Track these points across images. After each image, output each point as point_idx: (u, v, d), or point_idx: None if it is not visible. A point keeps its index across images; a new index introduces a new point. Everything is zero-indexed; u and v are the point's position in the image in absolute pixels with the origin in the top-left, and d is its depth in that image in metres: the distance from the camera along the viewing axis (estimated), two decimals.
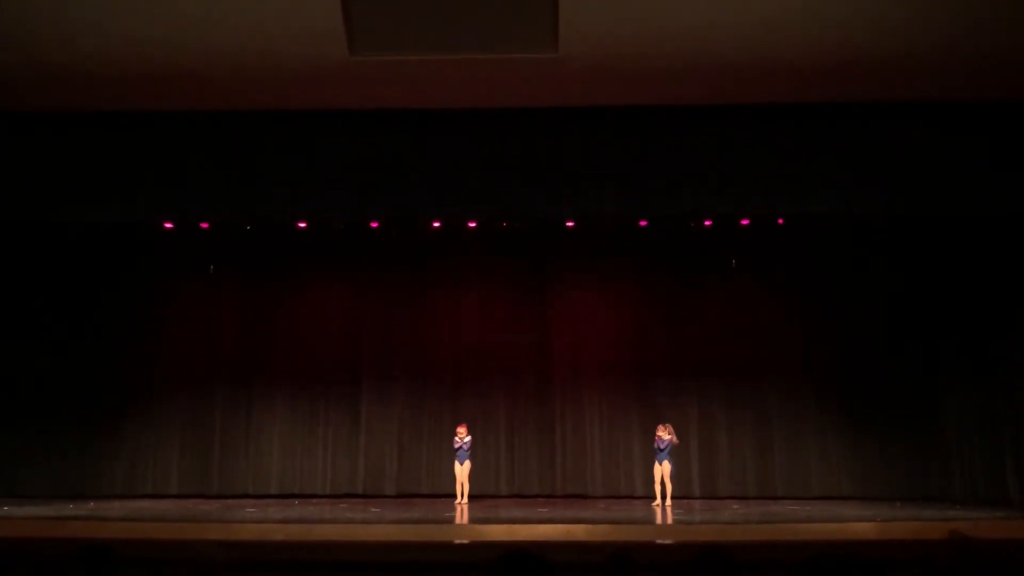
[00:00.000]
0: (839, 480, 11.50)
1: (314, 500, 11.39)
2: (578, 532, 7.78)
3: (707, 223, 11.08)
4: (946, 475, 10.88)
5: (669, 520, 9.10)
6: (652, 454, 10.61)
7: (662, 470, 10.42)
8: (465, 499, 10.74)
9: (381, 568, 6.60)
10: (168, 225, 10.86)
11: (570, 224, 11.30)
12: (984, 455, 10.47)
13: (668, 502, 10.36)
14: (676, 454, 11.47)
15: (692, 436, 11.81)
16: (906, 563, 4.67)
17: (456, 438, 10.90)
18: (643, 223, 11.06)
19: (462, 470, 10.81)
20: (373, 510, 9.96)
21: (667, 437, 10.43)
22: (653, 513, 9.74)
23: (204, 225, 11.02)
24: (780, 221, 10.83)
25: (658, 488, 10.43)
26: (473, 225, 11.35)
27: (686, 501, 11.20)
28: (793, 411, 11.76)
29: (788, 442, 11.69)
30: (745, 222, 10.83)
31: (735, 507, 10.40)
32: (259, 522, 8.70)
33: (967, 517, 8.94)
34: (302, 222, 11.00)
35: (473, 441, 11.04)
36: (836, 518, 8.85)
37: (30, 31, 7.86)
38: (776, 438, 11.71)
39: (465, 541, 7.78)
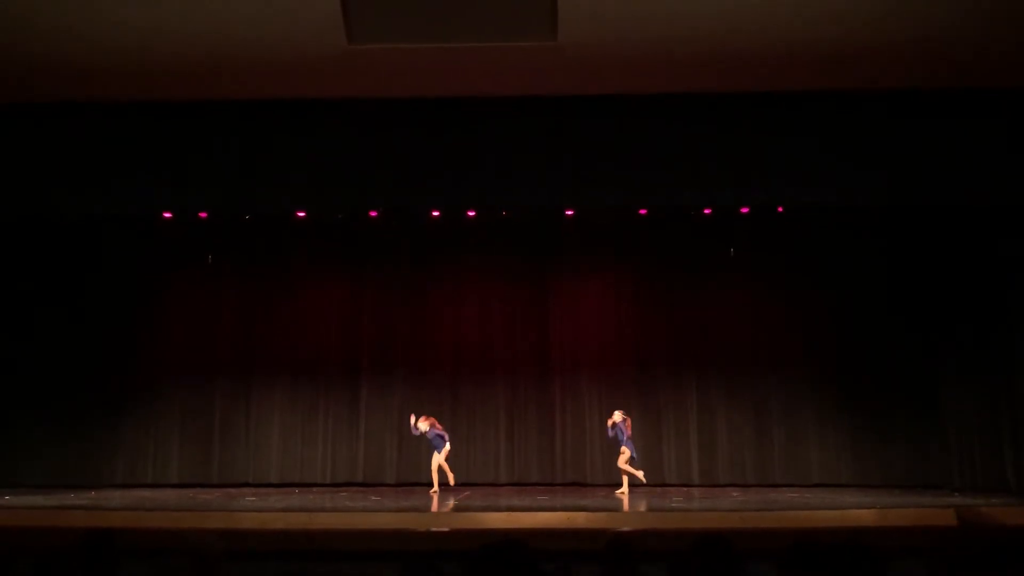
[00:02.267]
0: (838, 468, 11.52)
1: (314, 489, 11.40)
2: (579, 520, 7.81)
3: (706, 212, 11.09)
4: (945, 462, 10.90)
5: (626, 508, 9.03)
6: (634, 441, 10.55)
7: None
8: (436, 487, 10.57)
9: (381, 556, 6.62)
10: (167, 215, 10.85)
11: (569, 213, 11.31)
12: (983, 443, 10.48)
13: (621, 490, 10.37)
14: (676, 442, 11.54)
15: (691, 424, 11.85)
16: (905, 550, 4.69)
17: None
18: (643, 211, 11.07)
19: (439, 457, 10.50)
20: (373, 498, 9.99)
21: (609, 423, 10.38)
22: (653, 500, 9.78)
23: (202, 215, 11.01)
24: (780, 210, 10.81)
25: (639, 474, 10.43)
26: (472, 214, 11.34)
27: (685, 489, 11.26)
28: (792, 399, 11.77)
29: (787, 430, 11.70)
30: (745, 211, 10.82)
31: (734, 494, 10.43)
32: (260, 511, 8.72)
33: (965, 504, 8.97)
34: (301, 211, 10.98)
35: (467, 430, 10.97)
36: (835, 505, 8.88)
37: (26, 21, 7.82)
38: (775, 426, 11.72)
39: (466, 528, 7.80)
